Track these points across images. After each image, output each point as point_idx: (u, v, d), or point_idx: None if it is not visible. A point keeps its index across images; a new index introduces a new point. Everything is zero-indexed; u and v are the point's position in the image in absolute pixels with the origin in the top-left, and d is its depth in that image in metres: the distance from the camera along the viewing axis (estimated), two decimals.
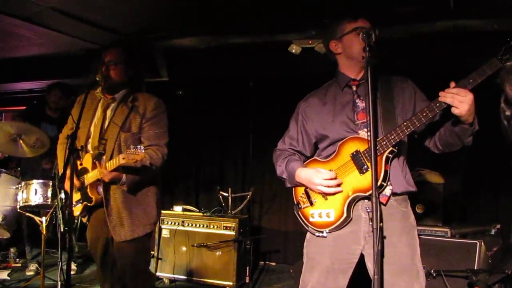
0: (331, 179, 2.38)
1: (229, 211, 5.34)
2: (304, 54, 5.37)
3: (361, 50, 2.30)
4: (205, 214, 5.21)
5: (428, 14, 4.41)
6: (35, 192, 4.21)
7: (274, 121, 5.56)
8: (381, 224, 2.08)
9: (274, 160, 2.72)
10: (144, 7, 4.43)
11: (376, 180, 2.08)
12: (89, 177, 3.11)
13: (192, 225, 5.10)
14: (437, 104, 2.17)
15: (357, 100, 2.46)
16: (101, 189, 3.13)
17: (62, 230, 3.43)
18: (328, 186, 2.39)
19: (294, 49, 5.32)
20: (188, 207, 5.46)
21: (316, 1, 4.16)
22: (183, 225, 5.12)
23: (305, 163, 2.58)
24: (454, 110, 2.12)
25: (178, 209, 5.39)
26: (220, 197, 5.51)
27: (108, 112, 3.20)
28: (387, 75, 2.52)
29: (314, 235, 2.48)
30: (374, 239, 2.00)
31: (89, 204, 3.13)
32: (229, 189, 5.47)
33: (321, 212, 2.45)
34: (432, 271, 3.42)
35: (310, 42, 5.19)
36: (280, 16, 4.67)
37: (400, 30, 4.78)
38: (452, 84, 2.13)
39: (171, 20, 4.84)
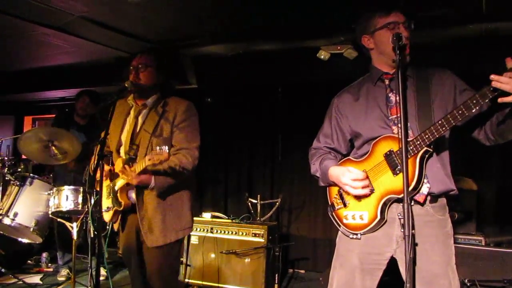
0: (359, 179, 2.36)
1: (258, 218, 5.33)
2: (332, 60, 5.37)
3: (392, 48, 2.26)
4: (234, 221, 5.19)
5: (458, 17, 4.37)
6: (66, 198, 4.23)
7: (302, 127, 5.72)
8: (413, 231, 2.05)
9: (309, 159, 2.71)
10: (172, 14, 4.45)
11: (408, 184, 2.04)
12: (119, 182, 3.13)
13: (221, 232, 5.10)
14: (481, 94, 2.07)
15: (390, 94, 2.43)
16: (132, 194, 3.11)
17: (92, 235, 3.46)
18: (355, 188, 2.37)
19: (323, 55, 5.35)
20: (217, 213, 5.44)
21: (344, 7, 4.16)
22: (212, 232, 5.12)
23: (339, 162, 2.57)
24: (509, 98, 2.02)
25: (207, 215, 5.40)
26: (249, 203, 5.51)
27: (140, 119, 3.20)
28: (423, 66, 2.48)
29: (348, 237, 2.46)
30: (405, 246, 1.97)
31: (118, 208, 3.12)
32: (258, 195, 5.47)
33: (354, 214, 2.43)
34: (466, 280, 3.36)
35: (338, 48, 5.20)
36: (309, 22, 4.67)
37: (429, 35, 4.74)
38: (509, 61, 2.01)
39: (199, 27, 4.90)
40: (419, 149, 2.24)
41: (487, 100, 2.07)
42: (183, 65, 5.91)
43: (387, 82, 2.46)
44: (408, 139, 2.23)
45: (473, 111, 2.10)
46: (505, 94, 2.01)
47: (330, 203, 2.57)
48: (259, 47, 5.53)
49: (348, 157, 2.57)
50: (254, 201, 5.49)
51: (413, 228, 2.05)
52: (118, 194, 3.13)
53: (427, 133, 2.21)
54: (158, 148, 2.70)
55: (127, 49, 5.34)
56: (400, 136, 2.09)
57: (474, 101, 2.08)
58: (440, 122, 2.18)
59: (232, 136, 6.54)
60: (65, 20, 4.45)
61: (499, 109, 2.22)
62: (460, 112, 2.12)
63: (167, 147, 2.69)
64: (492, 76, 2.00)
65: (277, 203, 5.53)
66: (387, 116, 2.41)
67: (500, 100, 2.03)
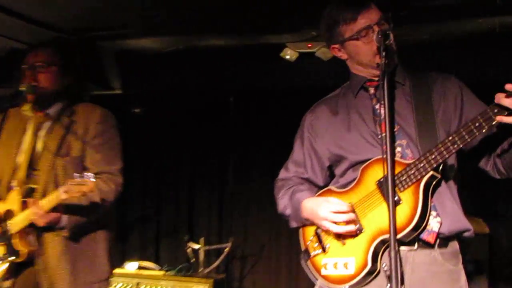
0: (342, 212, 2.36)
1: (201, 269, 5.30)
2: (301, 61, 5.43)
3: (373, 55, 2.35)
4: (168, 273, 5.18)
5: (468, 9, 4.50)
6: None
7: (262, 147, 5.91)
8: None
9: (275, 193, 2.74)
10: None
11: (394, 223, 2.04)
12: (17, 222, 3.03)
13: None
14: (495, 110, 2.12)
15: (376, 106, 2.48)
16: (31, 238, 3.05)
17: None
18: (336, 223, 2.37)
19: (289, 54, 5.38)
20: (145, 263, 5.43)
21: None
22: None
23: (316, 194, 2.60)
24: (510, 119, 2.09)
25: (131, 266, 5.31)
26: (189, 249, 5.49)
27: (41, 134, 3.15)
28: (422, 72, 2.55)
29: None
30: None
31: (17, 259, 3.02)
32: (201, 238, 5.47)
33: (337, 261, 2.43)
34: None
35: (309, 45, 5.24)
36: (270, 11, 4.71)
37: (432, 30, 4.88)
38: None
39: (126, 13, 4.83)
40: (424, 173, 2.26)
41: (494, 123, 2.12)
42: (103, 63, 5.81)
43: (372, 91, 2.53)
44: (408, 161, 2.29)
45: (493, 125, 2.14)
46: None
47: (304, 249, 2.57)
48: (205, 43, 5.57)
49: (329, 187, 2.59)
50: (195, 246, 5.44)
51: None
52: (16, 240, 3.02)
53: (434, 152, 2.24)
54: (77, 176, 2.69)
55: (24, 39, 5.13)
56: (384, 156, 2.11)
57: (477, 125, 2.14)
58: (451, 138, 2.21)
59: (167, 157, 6.53)
60: None
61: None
62: (477, 124, 2.16)
63: (91, 174, 2.70)
64: (509, 86, 2.07)
65: (227, 249, 5.51)
66: (376, 133, 2.45)
67: (498, 118, 2.10)
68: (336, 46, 2.51)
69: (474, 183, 4.21)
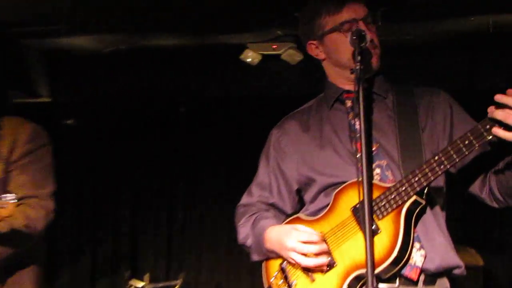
0: (312, 242, 2.36)
1: None
2: (265, 65, 5.46)
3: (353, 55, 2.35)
4: None
5: (457, 6, 4.53)
6: None
7: (220, 169, 5.85)
8: None
9: (235, 220, 2.77)
10: None
11: (372, 256, 1.96)
12: None
13: None
14: (487, 126, 2.11)
15: (354, 122, 2.50)
16: None
17: None
18: (305, 254, 2.36)
19: (250, 57, 5.41)
20: None
21: None
22: None
23: (283, 222, 2.61)
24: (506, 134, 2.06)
25: None
26: None
27: None
28: (408, 84, 2.59)
29: None
30: None
31: None
32: (146, 275, 5.30)
33: None
34: None
35: (274, 46, 5.29)
36: (229, 7, 4.72)
37: (417, 30, 4.97)
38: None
39: (56, 6, 4.72)
40: (406, 198, 2.26)
41: (489, 138, 2.12)
42: (28, 65, 5.73)
43: (349, 104, 2.55)
44: (388, 185, 2.31)
45: (485, 143, 2.16)
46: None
47: (266, 286, 2.56)
48: (152, 42, 5.53)
49: (297, 215, 2.59)
50: (139, 284, 5.25)
51: None
52: None
53: (418, 174, 2.24)
54: None
55: None
56: (360, 178, 2.08)
57: (488, 126, 2.11)
58: (437, 158, 2.22)
59: (105, 179, 6.39)
60: None
61: (508, 157, 2.30)
62: (466, 142, 2.17)
63: (12, 196, 2.65)
64: (498, 97, 2.05)
65: (176, 287, 5.37)
66: (352, 152, 2.46)
67: (494, 131, 2.08)
68: (314, 42, 2.54)
69: (465, 207, 4.22)
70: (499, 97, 2.02)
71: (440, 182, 2.40)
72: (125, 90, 5.99)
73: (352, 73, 2.23)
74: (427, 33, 5.16)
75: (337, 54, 2.49)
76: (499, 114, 2.02)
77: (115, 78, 5.90)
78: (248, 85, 5.68)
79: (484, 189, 2.40)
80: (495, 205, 2.40)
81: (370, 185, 2.13)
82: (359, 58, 2.16)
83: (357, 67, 2.15)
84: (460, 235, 4.21)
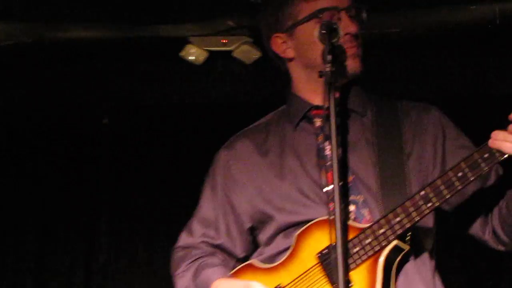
0: None
1: None
2: (212, 64, 5.40)
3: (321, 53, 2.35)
4: None
5: None
6: None
7: (152, 199, 5.68)
8: None
9: (172, 266, 2.75)
10: None
11: None
12: None
13: None
14: (486, 155, 2.16)
15: (323, 146, 2.49)
16: None
17: None
18: None
19: (193, 54, 5.33)
20: None
21: None
22: None
23: (232, 271, 2.59)
24: None
25: None
26: None
27: None
28: (391, 100, 2.63)
29: None
30: None
31: None
32: None
33: None
34: None
35: (224, 41, 5.25)
36: None
37: (405, 20, 4.95)
38: None
39: None
40: (385, 244, 2.26)
41: (497, 161, 2.16)
42: None
43: (318, 123, 2.54)
44: (363, 225, 2.31)
45: (485, 173, 2.21)
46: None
47: None
48: (66, 34, 5.31)
49: (250, 262, 2.59)
50: None
51: None
52: None
53: (400, 214, 2.25)
54: None
55: None
56: (331, 217, 2.09)
57: (487, 155, 2.16)
58: (423, 193, 2.23)
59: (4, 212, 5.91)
60: None
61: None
62: (460, 174, 2.20)
63: None
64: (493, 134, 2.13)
65: None
66: (320, 184, 2.45)
67: (490, 142, 2.12)
68: (281, 35, 2.53)
69: (462, 253, 4.24)
70: None
71: (429, 222, 2.42)
72: (28, 97, 5.75)
73: (320, 76, 2.19)
74: (417, 24, 5.07)
75: (310, 52, 2.45)
76: (507, 147, 2.08)
77: (14, 81, 5.60)
78: (191, 90, 5.55)
79: (487, 229, 2.41)
80: (501, 248, 2.43)
81: (344, 226, 2.09)
82: (329, 57, 2.13)
83: (327, 69, 2.11)
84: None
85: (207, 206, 2.72)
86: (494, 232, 2.41)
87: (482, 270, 5.09)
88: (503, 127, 2.13)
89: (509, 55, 5.04)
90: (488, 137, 2.15)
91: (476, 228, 2.47)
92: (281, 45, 2.57)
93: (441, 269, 2.55)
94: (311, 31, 2.41)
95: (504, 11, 4.70)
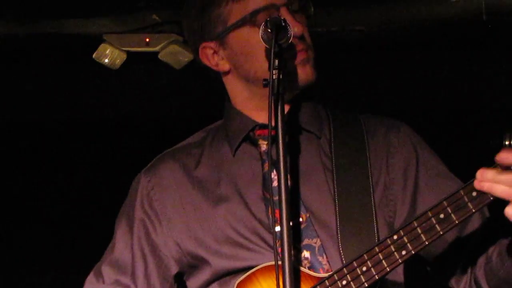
0: None
1: None
2: (133, 68, 5.24)
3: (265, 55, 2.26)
4: None
5: None
6: None
7: (48, 229, 5.44)
8: None
9: None
10: None
11: None
12: None
13: None
14: (474, 193, 1.98)
15: (270, 175, 2.33)
16: None
17: None
18: None
19: (108, 55, 5.23)
20: None
21: None
22: None
23: None
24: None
25: None
26: None
27: None
28: (352, 115, 2.51)
29: None
30: None
31: None
32: None
33: None
34: None
35: (147, 40, 5.13)
36: None
37: (378, 16, 4.87)
38: (503, 155, 1.92)
39: None
40: None
41: (484, 205, 2.00)
42: None
43: (264, 146, 2.40)
44: (321, 275, 2.16)
45: (471, 216, 2.05)
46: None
47: None
48: None
49: None
50: None
51: None
52: None
53: (367, 262, 2.08)
54: None
55: None
56: (279, 263, 1.96)
57: (442, 217, 2.02)
58: (396, 238, 2.07)
59: None
60: None
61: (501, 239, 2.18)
62: (441, 216, 2.04)
63: None
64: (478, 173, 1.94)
65: None
66: (264, 223, 2.32)
67: (507, 212, 1.91)
68: (211, 44, 2.39)
69: None
70: (503, 157, 1.90)
71: (398, 271, 2.26)
72: None
73: (265, 85, 2.05)
74: (388, 21, 4.94)
75: (250, 62, 2.32)
76: (499, 190, 1.89)
77: None
78: (106, 102, 5.22)
79: (463, 280, 2.30)
80: None
81: (296, 275, 2.04)
82: (276, 62, 1.98)
83: (274, 76, 1.95)
84: None
85: (122, 246, 2.50)
86: (476, 284, 2.25)
87: None
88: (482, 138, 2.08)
89: (497, 56, 4.92)
90: (469, 153, 2.12)
91: (450, 278, 2.33)
92: (212, 57, 2.38)
93: None
94: (248, 37, 2.30)
95: (489, 5, 4.60)
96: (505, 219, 1.93)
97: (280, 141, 2.00)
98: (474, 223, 2.26)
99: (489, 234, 2.22)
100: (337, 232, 2.25)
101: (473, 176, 1.96)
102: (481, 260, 2.23)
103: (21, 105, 5.48)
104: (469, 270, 2.29)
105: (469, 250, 2.29)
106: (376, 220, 2.30)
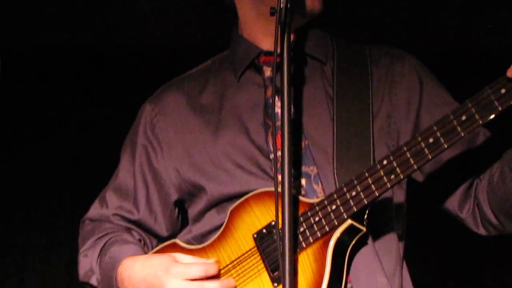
0: (208, 274, 2.22)
1: None
2: None
3: None
4: None
5: None
6: None
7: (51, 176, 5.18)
8: None
9: (79, 246, 2.62)
10: None
11: None
12: None
13: None
14: (463, 117, 2.02)
15: (273, 101, 2.27)
16: None
17: None
18: None
19: None
20: None
21: None
22: None
23: (154, 250, 2.52)
24: None
25: None
26: None
27: None
28: (358, 44, 2.51)
29: None
30: None
31: None
32: None
33: None
34: None
35: None
36: None
37: None
38: None
39: None
40: (337, 223, 2.17)
41: (481, 123, 2.01)
42: None
43: (268, 73, 2.42)
44: (313, 200, 2.20)
45: (430, 158, 2.08)
46: None
47: None
48: None
49: (173, 241, 2.49)
50: None
51: None
52: None
53: (356, 186, 2.15)
54: None
55: None
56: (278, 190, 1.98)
57: (431, 141, 2.06)
58: (385, 163, 2.11)
59: None
60: None
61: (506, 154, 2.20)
62: (409, 155, 2.09)
63: None
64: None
65: None
66: (262, 148, 2.37)
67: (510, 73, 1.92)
68: None
69: (438, 238, 4.12)
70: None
71: (399, 198, 2.34)
72: None
73: (272, 14, 2.03)
74: None
75: None
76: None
77: None
78: (111, 28, 4.97)
79: (466, 205, 2.32)
80: (482, 231, 2.33)
81: (292, 201, 1.95)
82: None
83: (281, 5, 1.93)
84: (429, 282, 3.83)
85: (125, 172, 2.60)
86: (478, 209, 2.30)
87: (460, 260, 4.95)
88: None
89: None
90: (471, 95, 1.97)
91: (452, 203, 2.35)
92: None
93: (410, 257, 2.41)
94: None
95: None
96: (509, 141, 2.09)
97: (285, 68, 2.03)
98: (476, 143, 2.32)
99: (493, 157, 2.27)
100: (333, 158, 2.31)
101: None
102: (484, 183, 2.29)
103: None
104: (472, 195, 2.34)
105: (472, 173, 2.34)
106: (373, 148, 2.33)
